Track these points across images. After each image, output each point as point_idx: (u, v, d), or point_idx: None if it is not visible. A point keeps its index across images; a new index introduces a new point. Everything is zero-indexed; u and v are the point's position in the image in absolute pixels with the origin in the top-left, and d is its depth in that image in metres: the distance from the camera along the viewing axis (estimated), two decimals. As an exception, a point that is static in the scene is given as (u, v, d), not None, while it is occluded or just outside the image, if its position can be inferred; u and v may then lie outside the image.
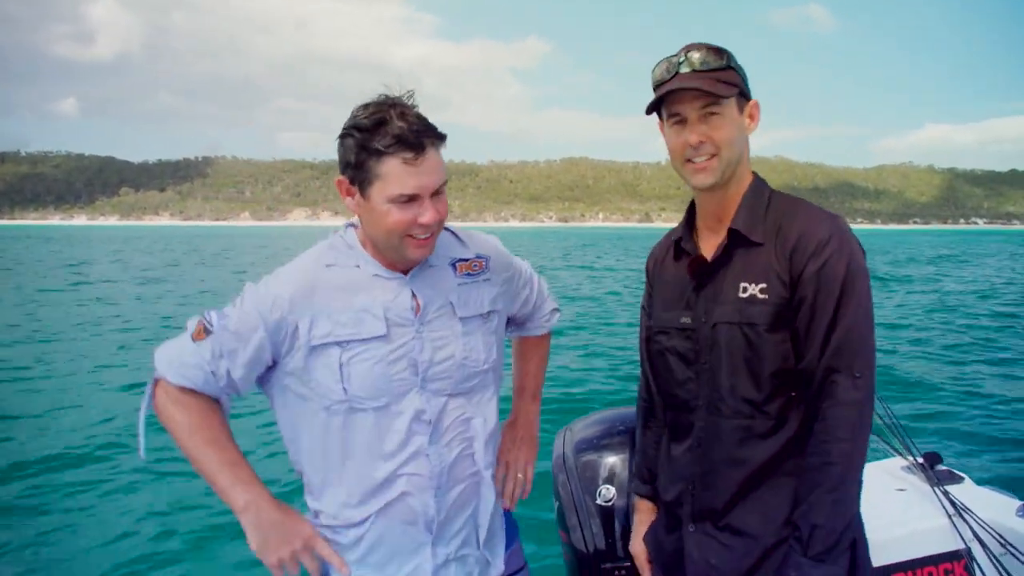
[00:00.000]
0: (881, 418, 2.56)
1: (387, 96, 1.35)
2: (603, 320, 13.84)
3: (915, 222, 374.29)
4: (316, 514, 1.51)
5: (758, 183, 1.47)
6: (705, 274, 1.46)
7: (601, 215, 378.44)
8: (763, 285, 1.36)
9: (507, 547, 1.67)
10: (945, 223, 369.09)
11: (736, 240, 1.41)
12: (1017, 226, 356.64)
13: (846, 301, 1.32)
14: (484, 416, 1.54)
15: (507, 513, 1.73)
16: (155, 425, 1.42)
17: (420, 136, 1.32)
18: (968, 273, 27.66)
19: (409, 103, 1.35)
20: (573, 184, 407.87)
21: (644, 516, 1.70)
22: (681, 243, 1.54)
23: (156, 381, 1.45)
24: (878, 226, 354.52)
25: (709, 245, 1.48)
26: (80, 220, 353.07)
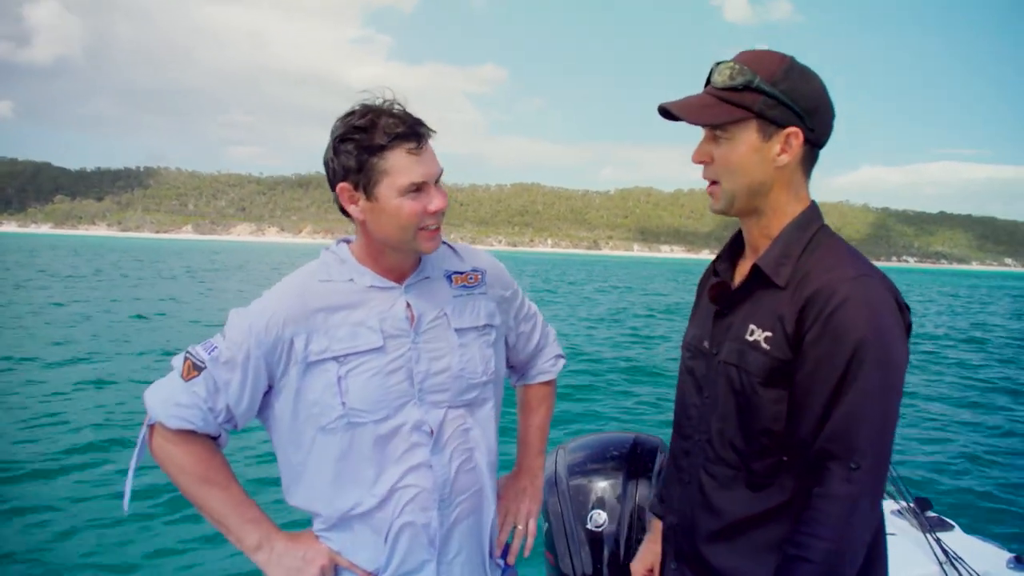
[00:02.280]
0: None
1: (368, 105, 1.37)
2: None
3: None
4: (320, 538, 1.50)
5: (805, 218, 1.32)
6: (726, 303, 1.37)
7: (550, 241, 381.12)
8: (769, 334, 1.25)
9: (504, 571, 1.65)
10: (878, 260, 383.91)
11: (758, 277, 1.30)
12: (945, 265, 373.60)
13: (852, 379, 1.15)
14: (483, 427, 1.54)
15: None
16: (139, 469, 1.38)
17: (417, 126, 1.36)
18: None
19: (391, 105, 1.37)
20: (523, 209, 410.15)
21: (655, 535, 1.61)
22: (717, 263, 1.47)
23: (150, 426, 1.41)
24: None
25: (743, 272, 1.38)
26: (10, 227, 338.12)
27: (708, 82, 1.30)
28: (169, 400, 1.38)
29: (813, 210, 1.33)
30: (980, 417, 8.40)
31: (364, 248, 1.47)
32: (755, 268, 1.30)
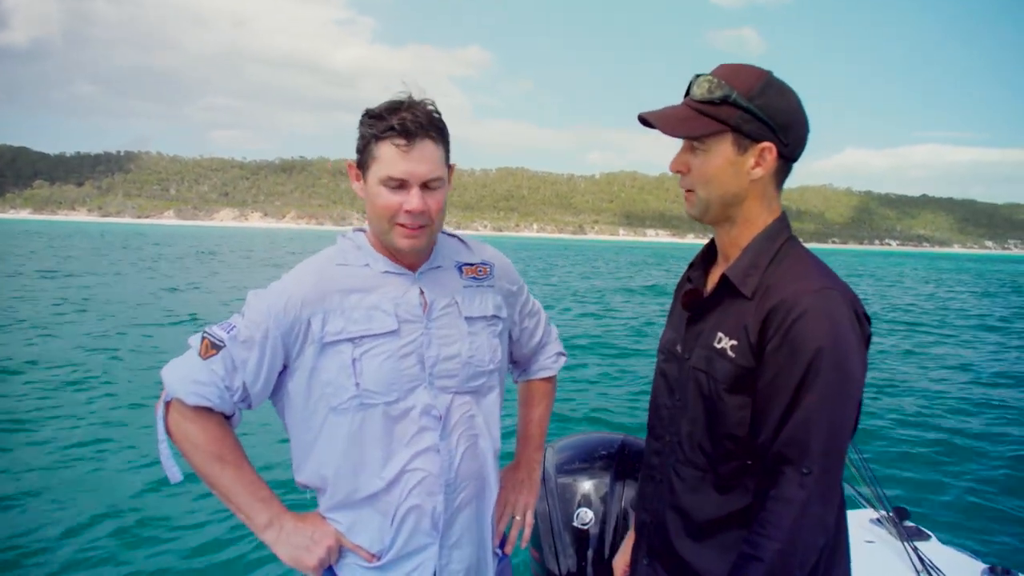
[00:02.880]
0: (854, 467, 2.49)
1: (399, 99, 1.42)
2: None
3: (834, 242, 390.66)
4: (327, 517, 1.53)
5: (774, 229, 1.36)
6: (697, 310, 1.41)
7: (535, 226, 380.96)
8: (734, 343, 1.30)
9: (500, 560, 1.69)
10: (862, 243, 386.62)
11: (727, 286, 1.35)
12: (927, 248, 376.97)
13: (809, 387, 1.20)
14: (487, 415, 1.58)
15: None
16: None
17: (418, 127, 1.38)
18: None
19: (424, 103, 1.42)
20: (508, 194, 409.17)
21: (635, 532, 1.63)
22: (691, 271, 1.52)
23: (167, 402, 1.45)
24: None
25: (715, 280, 1.42)
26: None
27: (687, 93, 1.33)
28: (187, 377, 1.41)
29: (782, 221, 1.37)
30: (961, 426, 8.58)
31: (376, 235, 1.51)
32: (723, 278, 1.35)
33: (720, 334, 1.32)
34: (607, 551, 1.90)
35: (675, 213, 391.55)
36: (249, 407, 1.48)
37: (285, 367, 1.46)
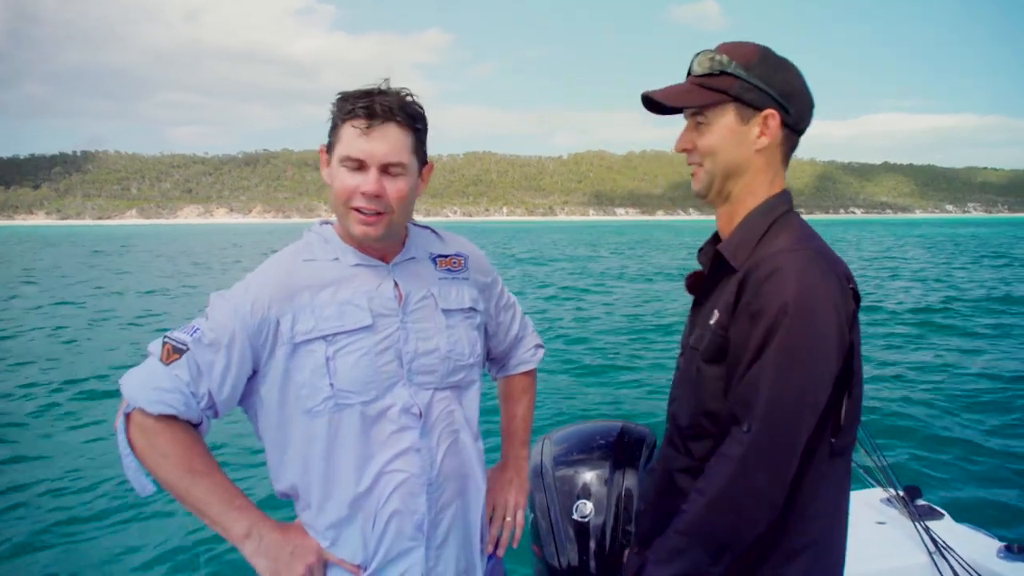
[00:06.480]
0: (862, 446, 2.41)
1: (384, 83, 1.38)
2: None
3: (801, 211, 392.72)
4: (307, 527, 1.45)
5: (771, 204, 1.34)
6: (701, 292, 1.41)
7: (505, 209, 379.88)
8: (719, 315, 1.30)
9: (489, 560, 1.65)
10: (827, 212, 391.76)
11: (720, 262, 1.34)
12: (890, 215, 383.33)
13: (768, 344, 1.17)
14: (467, 409, 1.53)
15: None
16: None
17: (384, 110, 1.34)
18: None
19: (400, 91, 1.39)
20: (476, 179, 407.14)
21: None
22: (699, 256, 1.49)
23: (127, 414, 1.35)
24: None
25: None
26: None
27: (689, 73, 1.35)
28: (149, 384, 1.33)
29: (780, 197, 1.35)
30: (973, 401, 8.49)
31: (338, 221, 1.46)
32: (716, 254, 1.34)
33: (716, 311, 1.30)
34: (608, 542, 1.90)
35: (644, 191, 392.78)
36: (216, 415, 1.40)
37: (255, 372, 1.39)
